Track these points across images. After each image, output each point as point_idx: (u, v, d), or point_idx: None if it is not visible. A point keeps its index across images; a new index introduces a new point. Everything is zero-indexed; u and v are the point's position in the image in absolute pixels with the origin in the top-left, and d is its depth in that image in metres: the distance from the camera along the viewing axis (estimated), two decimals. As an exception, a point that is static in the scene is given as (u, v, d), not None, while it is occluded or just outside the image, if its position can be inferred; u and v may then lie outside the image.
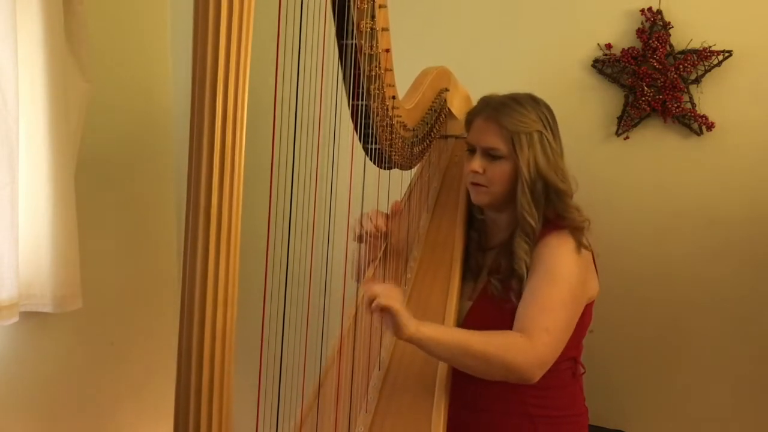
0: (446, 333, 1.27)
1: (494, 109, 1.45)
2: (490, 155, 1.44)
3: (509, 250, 1.44)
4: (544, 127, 1.44)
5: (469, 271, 1.54)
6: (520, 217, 1.42)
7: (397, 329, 1.19)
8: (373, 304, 1.17)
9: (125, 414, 2.21)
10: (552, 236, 1.41)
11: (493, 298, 1.43)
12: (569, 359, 1.47)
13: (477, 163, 1.45)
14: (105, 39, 2.01)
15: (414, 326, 1.20)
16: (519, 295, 1.38)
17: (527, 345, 1.28)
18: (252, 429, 0.84)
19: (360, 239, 1.55)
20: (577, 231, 1.42)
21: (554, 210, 1.43)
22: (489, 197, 1.48)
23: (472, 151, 1.49)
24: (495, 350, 1.26)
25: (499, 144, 1.43)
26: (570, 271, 1.37)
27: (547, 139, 1.43)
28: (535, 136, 1.42)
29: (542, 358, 1.29)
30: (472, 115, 1.51)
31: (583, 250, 1.42)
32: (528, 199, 1.41)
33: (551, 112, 1.48)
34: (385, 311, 1.18)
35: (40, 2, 1.62)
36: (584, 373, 1.52)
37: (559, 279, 1.36)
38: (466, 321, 1.44)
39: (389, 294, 1.19)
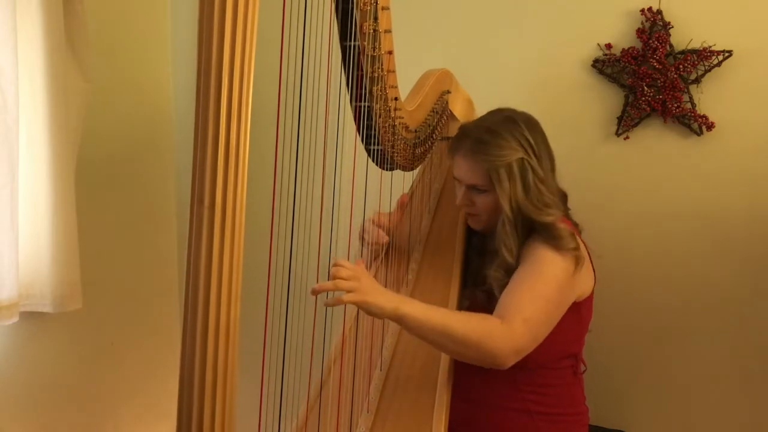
0: (426, 313, 1.23)
1: (469, 148, 1.43)
2: (475, 189, 1.45)
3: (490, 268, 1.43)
4: (525, 152, 1.40)
5: (470, 276, 1.54)
6: (498, 248, 1.41)
7: (372, 313, 1.18)
8: (331, 302, 1.15)
9: (125, 414, 2.20)
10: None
11: (481, 309, 1.44)
12: (570, 356, 1.47)
13: (462, 199, 1.48)
14: (105, 39, 2.01)
15: (394, 304, 1.19)
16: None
17: (505, 332, 1.26)
18: (254, 428, 0.85)
19: (365, 244, 1.55)
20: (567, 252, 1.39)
21: (545, 238, 1.39)
22: (483, 224, 1.50)
23: (459, 182, 1.50)
24: (473, 335, 1.24)
25: (478, 180, 1.43)
26: (558, 266, 1.35)
27: (530, 165, 1.39)
28: (515, 166, 1.38)
29: (517, 347, 1.27)
30: (452, 150, 1.50)
31: (579, 245, 1.40)
32: (507, 233, 1.40)
33: (534, 129, 1.44)
34: (356, 304, 1.17)
35: (40, 2, 1.62)
36: (585, 371, 1.52)
37: (545, 272, 1.34)
38: None
39: (355, 285, 1.15)
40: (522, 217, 1.39)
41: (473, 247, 1.59)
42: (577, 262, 1.37)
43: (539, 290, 1.32)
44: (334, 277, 1.14)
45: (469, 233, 1.61)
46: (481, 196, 1.45)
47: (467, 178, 1.45)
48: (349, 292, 1.14)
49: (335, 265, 1.15)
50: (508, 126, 1.42)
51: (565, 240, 1.37)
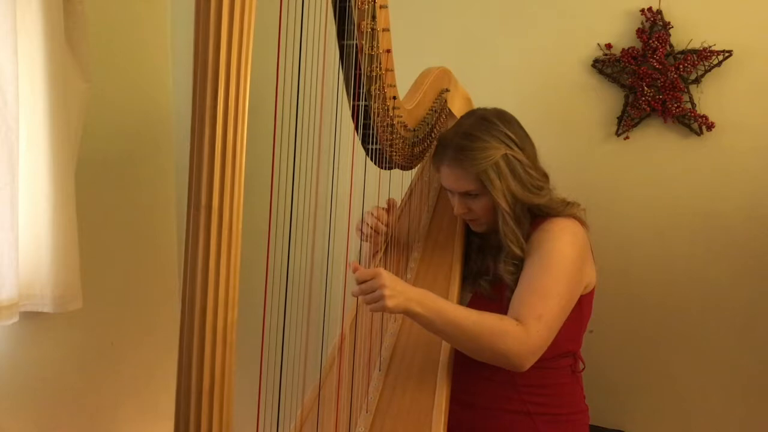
0: (440, 311, 1.25)
1: (453, 157, 1.44)
2: (469, 195, 1.46)
3: (496, 262, 1.45)
4: (507, 146, 1.41)
5: (470, 274, 1.55)
6: (504, 245, 1.43)
7: (384, 307, 1.20)
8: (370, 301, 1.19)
9: (125, 414, 2.21)
10: (549, 222, 1.43)
11: (485, 299, 1.45)
12: (569, 354, 1.47)
13: (459, 208, 1.48)
14: (105, 39, 2.01)
15: (404, 300, 1.21)
16: (512, 291, 1.39)
17: (521, 333, 1.28)
18: (252, 429, 0.84)
19: (364, 237, 1.56)
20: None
21: (545, 215, 1.45)
22: (485, 226, 1.51)
23: (451, 192, 1.50)
24: (488, 334, 1.26)
25: (470, 186, 1.44)
26: (566, 258, 1.38)
27: (515, 158, 1.41)
28: (501, 163, 1.40)
29: (534, 347, 1.29)
30: (436, 162, 1.51)
31: (580, 237, 1.43)
32: (511, 227, 1.42)
33: (509, 121, 1.46)
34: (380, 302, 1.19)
35: (40, 2, 1.62)
36: (584, 369, 1.52)
37: (555, 266, 1.36)
38: None
39: (374, 294, 1.19)
40: (520, 206, 1.42)
41: (473, 245, 1.60)
42: (582, 223, 1.45)
43: (550, 287, 1.34)
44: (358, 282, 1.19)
45: (469, 231, 1.61)
46: (476, 201, 1.46)
47: (458, 186, 1.46)
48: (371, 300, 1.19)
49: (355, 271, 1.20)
50: (484, 126, 1.44)
51: (565, 207, 1.45)
